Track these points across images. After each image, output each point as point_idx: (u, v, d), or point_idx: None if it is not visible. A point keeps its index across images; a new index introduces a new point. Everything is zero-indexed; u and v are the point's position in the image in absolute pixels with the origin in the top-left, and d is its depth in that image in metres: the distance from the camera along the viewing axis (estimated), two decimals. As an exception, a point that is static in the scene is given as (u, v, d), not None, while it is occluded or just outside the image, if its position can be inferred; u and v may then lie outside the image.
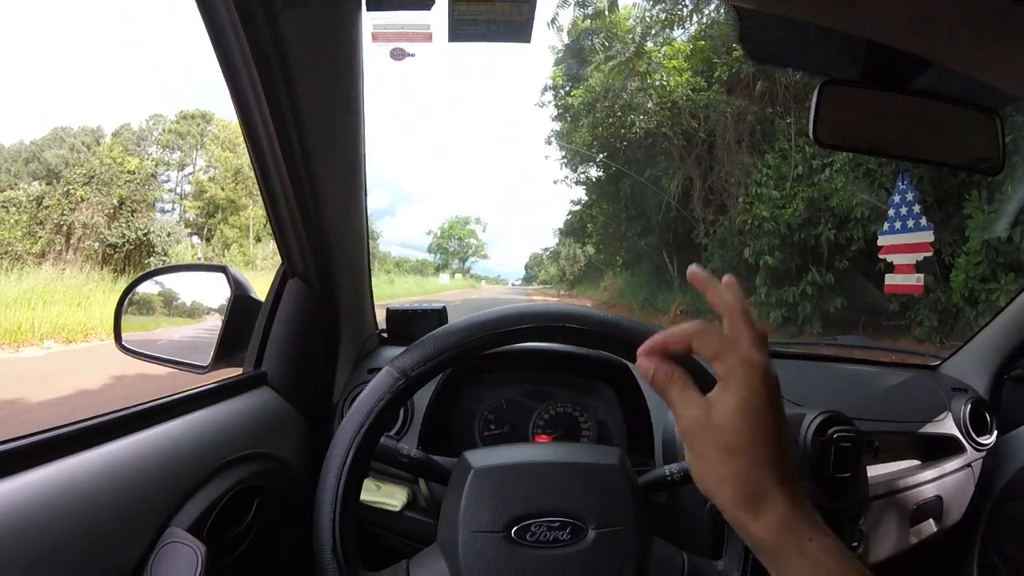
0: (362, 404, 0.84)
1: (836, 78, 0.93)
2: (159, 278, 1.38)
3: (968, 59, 0.82)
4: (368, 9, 0.90)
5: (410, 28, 0.94)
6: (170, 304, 1.37)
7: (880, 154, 1.10)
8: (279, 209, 1.09)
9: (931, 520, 1.64)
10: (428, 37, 0.96)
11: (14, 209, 24.29)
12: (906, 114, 0.96)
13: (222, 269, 1.28)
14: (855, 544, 1.34)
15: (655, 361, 0.62)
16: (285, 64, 0.89)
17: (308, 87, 0.95)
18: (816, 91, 0.92)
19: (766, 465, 0.57)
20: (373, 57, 0.99)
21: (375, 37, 0.97)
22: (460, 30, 0.93)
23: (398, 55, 1.04)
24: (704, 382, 0.62)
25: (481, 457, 0.92)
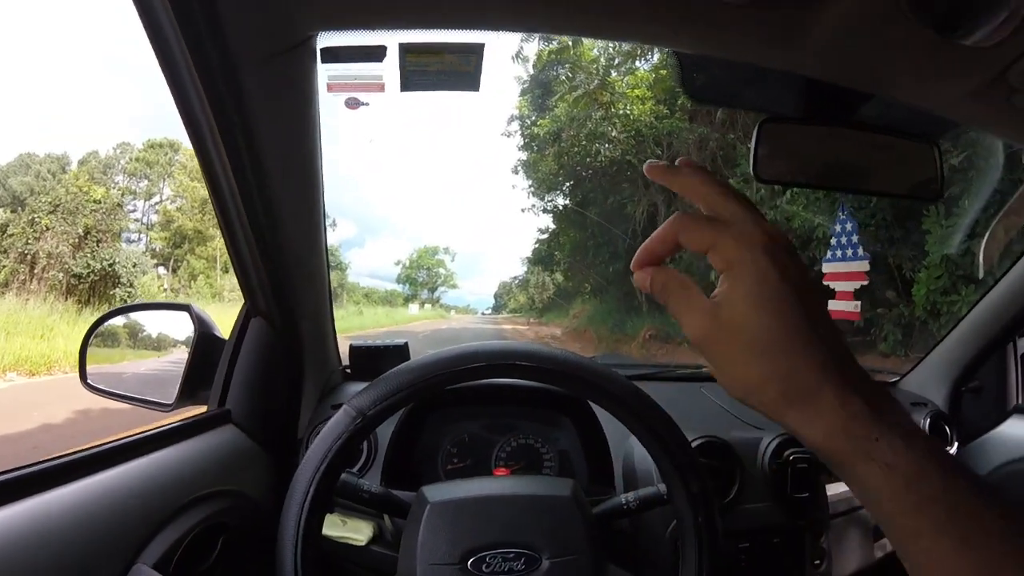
0: (320, 443, 0.86)
1: (776, 115, 0.96)
2: (126, 316, 1.39)
3: (906, 89, 0.85)
4: (323, 62, 0.93)
5: (364, 79, 0.96)
6: (136, 336, 1.37)
7: (823, 187, 1.14)
8: (240, 250, 1.10)
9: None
10: (381, 87, 0.98)
11: (-23, 237, 23.79)
12: (847, 147, 0.99)
13: (186, 308, 1.28)
14: (817, 562, 1.37)
15: (648, 271, 0.54)
16: (243, 112, 0.91)
17: (266, 134, 0.97)
18: (756, 129, 0.94)
19: (808, 356, 0.46)
20: (331, 100, 1.02)
21: (330, 87, 0.99)
22: (411, 81, 0.95)
23: (352, 104, 1.06)
24: None
25: (438, 492, 0.95)
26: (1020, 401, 1.83)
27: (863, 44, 0.74)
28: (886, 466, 0.43)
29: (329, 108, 1.01)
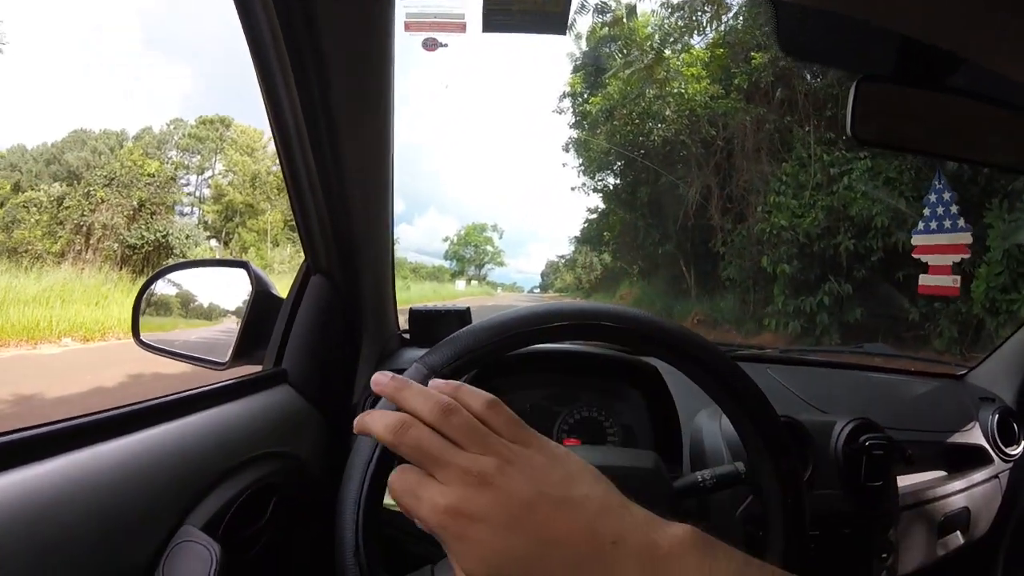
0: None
1: (872, 74, 0.91)
2: (180, 273, 1.37)
3: (1006, 57, 0.80)
4: None
5: (444, 17, 0.92)
6: (188, 305, 1.36)
7: (917, 152, 1.09)
8: (304, 203, 1.08)
9: (958, 532, 1.61)
10: (462, 27, 0.94)
11: (35, 209, 24.46)
12: (943, 113, 0.93)
13: (243, 265, 1.26)
14: (884, 556, 1.31)
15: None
16: (317, 54, 0.88)
17: (339, 78, 0.93)
18: (853, 87, 0.89)
19: None
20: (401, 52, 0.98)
21: (408, 26, 0.96)
22: (494, 20, 0.91)
23: (431, 45, 1.02)
24: None
25: None
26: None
27: (967, 4, 0.68)
28: None
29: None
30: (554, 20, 0.93)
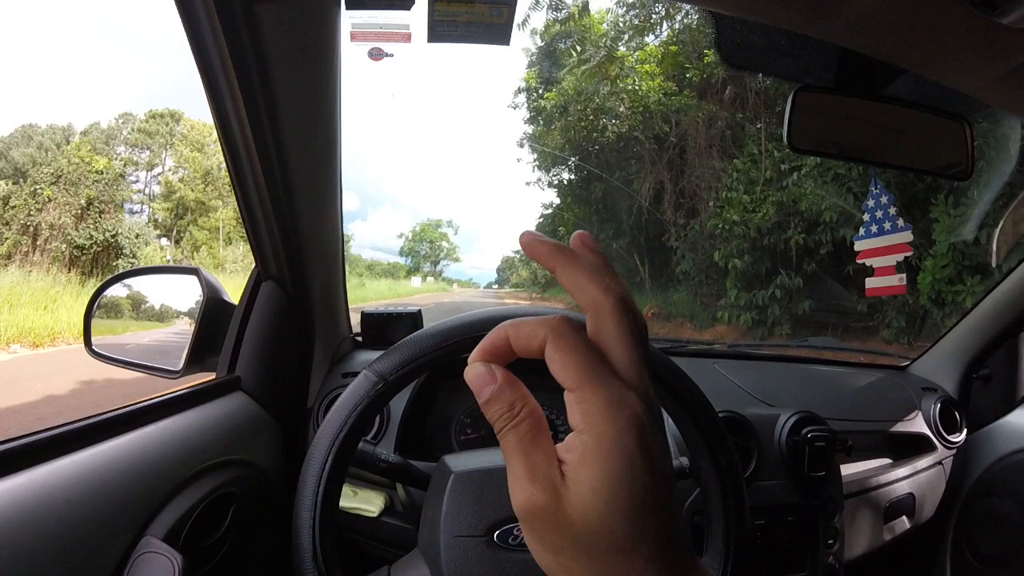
0: (341, 408, 0.84)
1: (810, 84, 0.94)
2: (130, 280, 1.34)
3: (939, 67, 0.83)
4: (348, 8, 0.90)
5: (389, 28, 0.93)
6: (140, 307, 1.34)
7: (853, 159, 1.12)
8: (253, 209, 1.07)
9: (904, 517, 1.67)
10: (407, 37, 0.95)
11: (-21, 210, 23.76)
12: (878, 120, 0.97)
13: (194, 272, 1.25)
14: (830, 542, 1.36)
15: (489, 377, 0.41)
16: (262, 61, 0.88)
17: (285, 85, 0.93)
18: (791, 97, 0.93)
19: (646, 561, 0.36)
20: (349, 57, 0.99)
21: (354, 36, 0.96)
22: (439, 31, 0.92)
23: (376, 55, 1.03)
24: None
25: (461, 461, 0.92)
26: (1030, 392, 1.84)
27: (900, 17, 0.71)
28: None
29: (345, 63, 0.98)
30: (498, 31, 0.94)
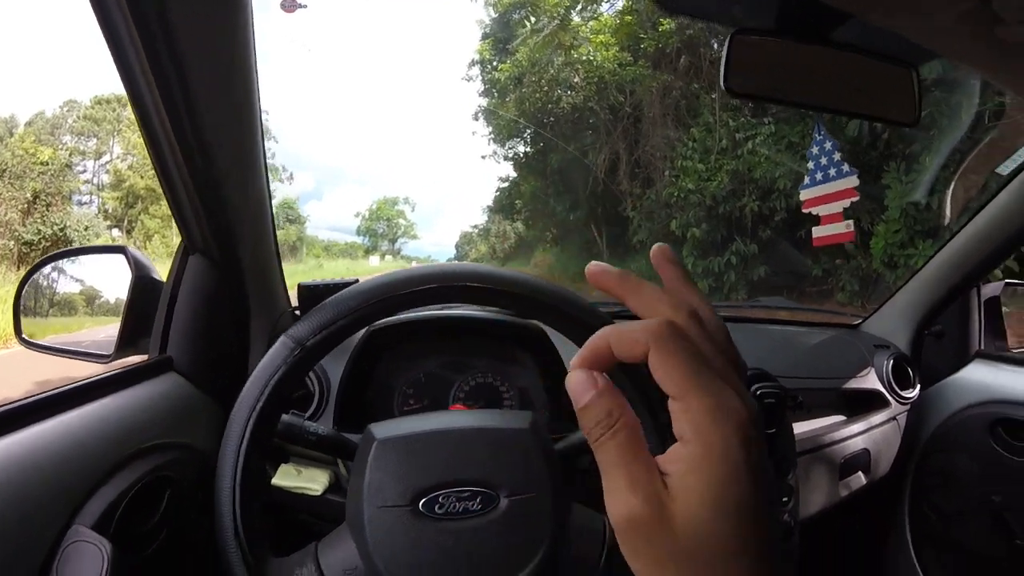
0: (256, 379, 0.81)
1: (749, 27, 0.91)
2: (59, 263, 1.29)
3: (886, 13, 0.81)
4: None
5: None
6: (72, 295, 1.29)
7: (795, 104, 1.10)
8: (170, 177, 1.00)
9: (860, 473, 1.69)
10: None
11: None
12: (822, 66, 0.94)
13: (121, 250, 1.19)
14: (785, 499, 1.36)
15: (590, 383, 0.40)
16: (163, 16, 0.81)
17: (190, 39, 0.87)
18: (727, 40, 0.88)
19: (749, 569, 0.36)
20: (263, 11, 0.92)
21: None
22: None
23: (289, 6, 0.96)
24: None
25: (385, 428, 0.88)
26: (982, 346, 1.87)
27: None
28: None
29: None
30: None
